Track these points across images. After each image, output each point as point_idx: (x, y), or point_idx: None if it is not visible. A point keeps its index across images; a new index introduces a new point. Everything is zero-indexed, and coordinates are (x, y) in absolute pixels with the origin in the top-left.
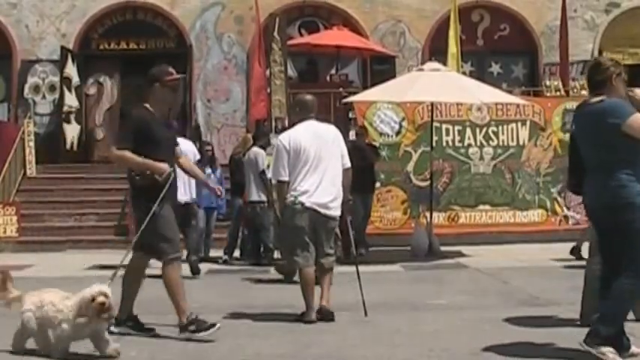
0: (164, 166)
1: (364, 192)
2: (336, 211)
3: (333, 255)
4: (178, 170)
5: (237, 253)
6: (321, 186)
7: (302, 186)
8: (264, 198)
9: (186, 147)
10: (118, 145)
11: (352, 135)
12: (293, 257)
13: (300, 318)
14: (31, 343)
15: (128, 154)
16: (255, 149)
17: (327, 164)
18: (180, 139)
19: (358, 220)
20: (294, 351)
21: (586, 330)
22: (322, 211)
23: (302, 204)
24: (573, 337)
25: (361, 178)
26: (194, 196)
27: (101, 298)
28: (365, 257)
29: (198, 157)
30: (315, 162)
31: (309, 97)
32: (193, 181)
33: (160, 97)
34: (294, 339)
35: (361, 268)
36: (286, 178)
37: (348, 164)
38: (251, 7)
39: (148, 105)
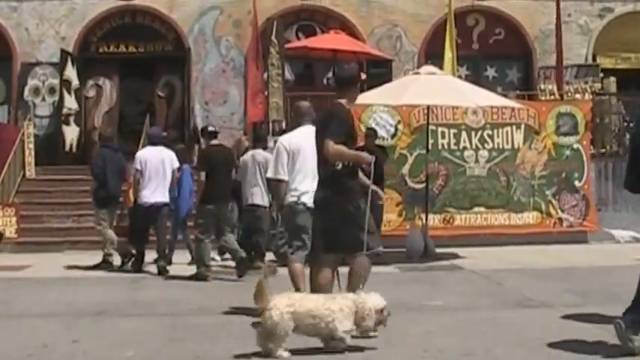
0: (370, 157)
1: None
2: None
3: None
4: (158, 172)
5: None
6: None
7: (302, 186)
8: (267, 202)
9: (165, 154)
10: (335, 139)
11: None
12: (290, 254)
13: None
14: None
15: (343, 147)
16: (263, 153)
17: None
18: (160, 148)
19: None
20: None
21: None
22: None
23: (304, 204)
24: (567, 338)
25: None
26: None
27: (385, 312)
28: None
29: (177, 164)
30: (312, 164)
31: (305, 103)
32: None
33: (354, 96)
34: (290, 339)
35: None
36: (286, 178)
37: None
38: (249, 11)
39: (344, 102)
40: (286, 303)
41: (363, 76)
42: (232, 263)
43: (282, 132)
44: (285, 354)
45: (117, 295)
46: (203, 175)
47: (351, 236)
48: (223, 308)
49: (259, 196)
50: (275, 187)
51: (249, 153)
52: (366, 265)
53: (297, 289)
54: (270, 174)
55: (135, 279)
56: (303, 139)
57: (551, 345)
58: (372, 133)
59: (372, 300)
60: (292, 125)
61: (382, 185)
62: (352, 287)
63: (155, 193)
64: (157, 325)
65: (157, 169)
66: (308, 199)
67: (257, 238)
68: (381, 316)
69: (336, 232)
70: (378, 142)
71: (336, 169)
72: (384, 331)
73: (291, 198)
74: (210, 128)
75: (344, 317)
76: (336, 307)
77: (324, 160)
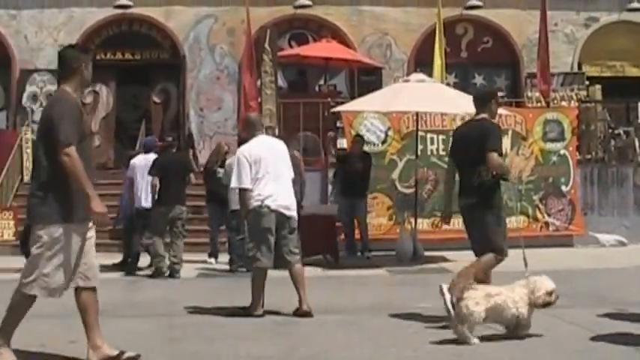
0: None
1: (364, 197)
2: (295, 214)
3: (298, 254)
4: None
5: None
6: (282, 191)
7: (265, 191)
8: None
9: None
10: (498, 151)
11: (342, 143)
12: (257, 257)
13: (248, 312)
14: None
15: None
16: None
17: (283, 173)
18: (152, 156)
19: (364, 224)
20: (283, 352)
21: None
22: (286, 212)
23: (268, 207)
24: (554, 338)
25: (360, 183)
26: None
27: (554, 296)
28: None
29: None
30: (273, 171)
31: (254, 115)
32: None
33: (494, 111)
34: (283, 341)
35: (348, 272)
36: (250, 186)
37: (293, 175)
38: (243, 20)
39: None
40: (481, 295)
41: (500, 93)
42: (226, 267)
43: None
44: (476, 340)
45: (114, 295)
46: (156, 180)
47: (484, 241)
48: (218, 309)
49: None
50: (241, 195)
51: (234, 157)
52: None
53: (258, 300)
54: (233, 184)
55: (132, 280)
56: (261, 148)
57: (539, 346)
58: (359, 139)
59: (543, 283)
60: (246, 136)
61: (367, 190)
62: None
63: (149, 198)
64: (155, 325)
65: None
66: (272, 202)
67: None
68: (549, 298)
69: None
70: (364, 148)
71: (483, 180)
72: (375, 332)
73: (255, 202)
74: (168, 139)
75: (524, 304)
76: (518, 297)
77: (469, 171)
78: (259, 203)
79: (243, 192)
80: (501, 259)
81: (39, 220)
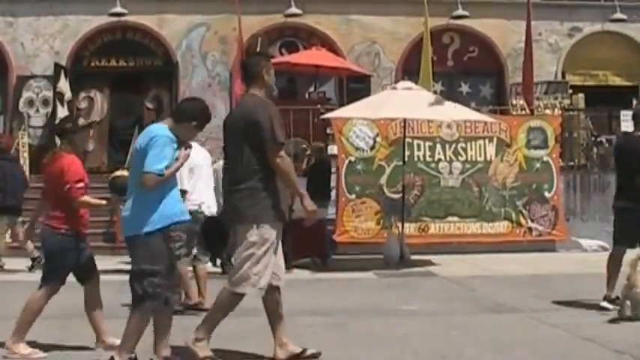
0: None
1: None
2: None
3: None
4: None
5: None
6: (212, 197)
7: (200, 197)
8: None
9: None
10: None
11: (333, 149)
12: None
13: (198, 306)
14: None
15: None
16: None
17: (211, 179)
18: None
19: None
20: (272, 354)
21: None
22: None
23: (203, 213)
24: (537, 342)
25: (328, 188)
26: None
27: None
28: (338, 264)
29: None
30: (206, 177)
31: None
32: None
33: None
34: (271, 342)
35: (336, 274)
36: (189, 189)
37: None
38: (234, 28)
39: None
40: None
41: None
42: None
43: None
44: None
45: (107, 297)
46: None
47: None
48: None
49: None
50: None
51: (221, 162)
52: None
53: (186, 292)
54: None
55: (124, 282)
56: (198, 156)
57: (521, 348)
58: (315, 148)
59: None
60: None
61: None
62: None
63: None
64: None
65: None
66: (206, 208)
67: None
68: None
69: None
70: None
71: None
72: (362, 334)
73: (191, 207)
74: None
75: None
76: None
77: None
78: (196, 208)
79: (183, 194)
80: None
81: (251, 220)
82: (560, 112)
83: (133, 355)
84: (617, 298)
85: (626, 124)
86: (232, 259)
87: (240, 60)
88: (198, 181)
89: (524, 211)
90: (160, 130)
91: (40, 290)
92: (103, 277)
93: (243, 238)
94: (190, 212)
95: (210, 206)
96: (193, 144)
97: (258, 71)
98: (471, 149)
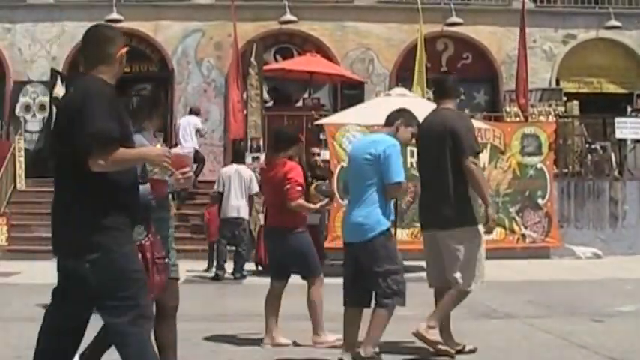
0: None
1: None
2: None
3: None
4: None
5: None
6: None
7: None
8: (247, 216)
9: None
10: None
11: (326, 155)
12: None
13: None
14: (20, 345)
15: None
16: (249, 170)
17: None
18: None
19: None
20: (267, 357)
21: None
22: None
23: None
24: (530, 347)
25: None
26: None
27: None
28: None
29: None
30: None
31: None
32: None
33: None
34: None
35: (329, 279)
36: None
37: None
38: (229, 35)
39: None
40: None
41: None
42: (210, 274)
43: (259, 149)
44: None
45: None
46: None
47: None
48: (206, 315)
49: (244, 209)
50: None
51: (234, 168)
52: None
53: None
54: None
55: None
56: None
57: (515, 354)
58: (314, 152)
59: None
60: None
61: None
62: None
63: None
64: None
65: None
66: None
67: (240, 249)
68: None
69: None
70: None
71: None
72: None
73: None
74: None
75: None
76: None
77: None
78: None
79: None
80: None
81: (471, 222)
82: (554, 119)
83: (377, 350)
84: None
85: (621, 132)
86: (425, 264)
87: (437, 78)
88: None
89: (517, 218)
90: (392, 140)
91: (313, 286)
92: None
93: (460, 241)
94: None
95: None
96: None
97: (450, 87)
98: None
